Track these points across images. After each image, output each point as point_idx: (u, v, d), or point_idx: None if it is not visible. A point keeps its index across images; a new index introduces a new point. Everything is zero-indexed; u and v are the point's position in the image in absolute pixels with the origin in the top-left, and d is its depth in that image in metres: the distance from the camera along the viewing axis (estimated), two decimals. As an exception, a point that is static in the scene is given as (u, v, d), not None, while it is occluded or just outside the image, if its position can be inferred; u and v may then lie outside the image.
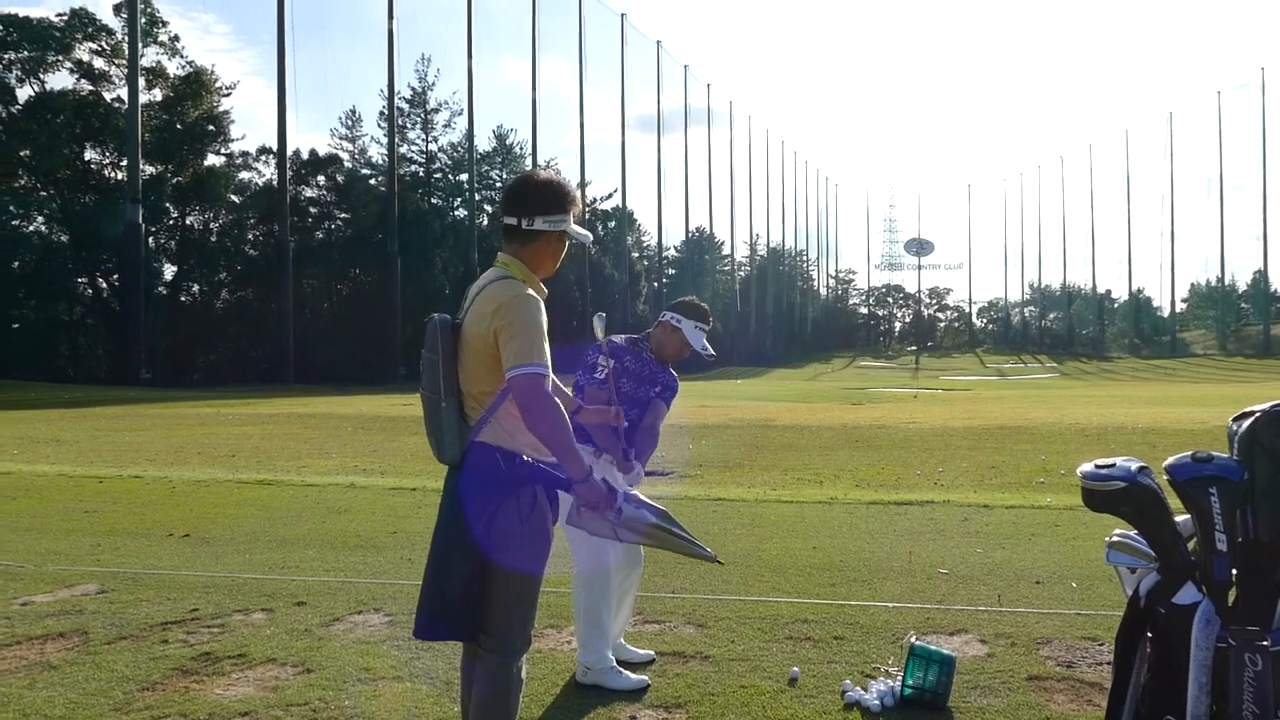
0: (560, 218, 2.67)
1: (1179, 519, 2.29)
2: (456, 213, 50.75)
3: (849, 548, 6.45)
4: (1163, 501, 2.22)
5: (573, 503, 2.65)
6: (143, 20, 39.01)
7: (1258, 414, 2.20)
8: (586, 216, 56.94)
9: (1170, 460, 2.23)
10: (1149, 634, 2.22)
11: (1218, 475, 2.14)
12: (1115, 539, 2.36)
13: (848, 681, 3.81)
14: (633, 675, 3.87)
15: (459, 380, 2.59)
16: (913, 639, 3.87)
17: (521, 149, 55.99)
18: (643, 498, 2.82)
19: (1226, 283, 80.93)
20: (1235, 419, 2.27)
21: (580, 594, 3.92)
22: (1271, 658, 1.98)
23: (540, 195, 2.67)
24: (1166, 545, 2.20)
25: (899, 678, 3.70)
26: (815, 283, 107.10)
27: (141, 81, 38.08)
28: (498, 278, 2.63)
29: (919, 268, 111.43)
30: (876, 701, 3.61)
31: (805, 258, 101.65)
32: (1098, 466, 2.25)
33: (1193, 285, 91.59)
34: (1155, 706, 2.14)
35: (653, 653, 4.17)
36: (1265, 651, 1.98)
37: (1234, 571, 2.15)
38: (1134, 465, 2.22)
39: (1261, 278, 76.23)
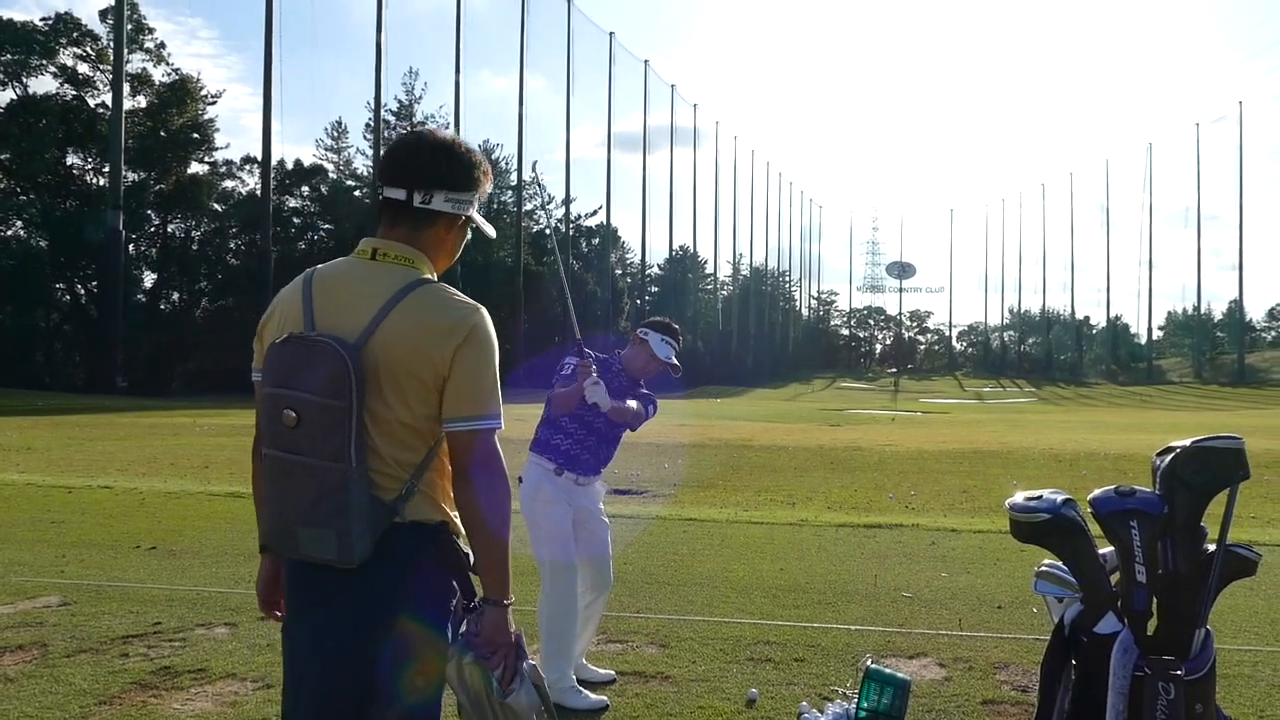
0: (466, 197, 1.93)
1: (1103, 551, 2.37)
2: (440, 226, 50.63)
3: (815, 570, 6.51)
4: (1086, 534, 2.30)
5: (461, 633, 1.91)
6: (128, 26, 38.91)
7: (1178, 449, 2.29)
8: (570, 233, 57.14)
9: (1094, 493, 2.31)
10: (1073, 661, 2.29)
11: (1138, 509, 2.22)
12: (1043, 569, 2.44)
13: (805, 703, 3.86)
14: (592, 695, 3.90)
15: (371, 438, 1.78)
16: (869, 662, 3.93)
17: (507, 164, 56.11)
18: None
19: (1202, 311, 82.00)
20: (1159, 454, 2.35)
21: (546, 611, 3.95)
22: (1185, 686, 2.06)
23: (444, 162, 1.91)
24: (1089, 576, 2.28)
25: (855, 700, 3.75)
26: (797, 303, 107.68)
27: (126, 87, 37.94)
28: (416, 281, 1.85)
29: (900, 290, 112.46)
30: (830, 723, 3.66)
31: (788, 278, 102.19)
32: (1027, 499, 2.33)
33: (1169, 313, 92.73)
34: (1076, 731, 2.21)
35: (613, 672, 4.21)
36: (1179, 680, 2.06)
37: (1154, 601, 2.23)
38: (1059, 498, 2.30)
39: (1237, 307, 77.53)
